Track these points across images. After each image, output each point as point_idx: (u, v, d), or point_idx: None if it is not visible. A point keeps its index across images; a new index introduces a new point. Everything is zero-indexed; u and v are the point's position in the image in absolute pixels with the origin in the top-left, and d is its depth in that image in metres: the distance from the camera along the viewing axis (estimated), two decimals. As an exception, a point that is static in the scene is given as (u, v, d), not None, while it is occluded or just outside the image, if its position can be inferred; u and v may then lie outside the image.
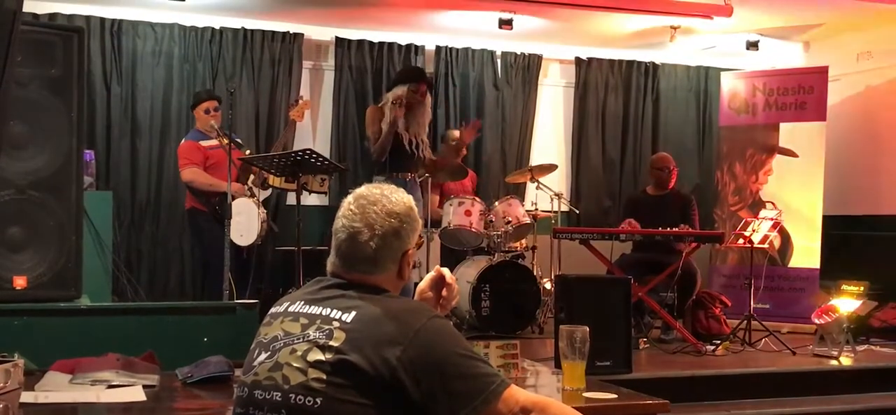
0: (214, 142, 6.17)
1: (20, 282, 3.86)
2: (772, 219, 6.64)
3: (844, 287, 6.97)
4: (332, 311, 1.97)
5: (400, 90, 6.27)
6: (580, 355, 2.79)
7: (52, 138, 3.96)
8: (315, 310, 1.99)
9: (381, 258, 2.04)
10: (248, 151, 6.39)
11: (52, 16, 6.77)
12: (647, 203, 6.77)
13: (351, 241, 2.04)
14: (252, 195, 6.05)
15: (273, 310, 2.10)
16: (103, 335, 3.61)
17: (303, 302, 2.03)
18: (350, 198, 2.10)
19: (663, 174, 6.75)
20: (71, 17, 6.86)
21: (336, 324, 1.93)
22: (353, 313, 1.94)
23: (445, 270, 2.35)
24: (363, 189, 2.11)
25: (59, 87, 3.96)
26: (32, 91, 3.88)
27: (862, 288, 6.92)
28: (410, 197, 2.14)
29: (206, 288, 6.23)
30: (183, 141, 6.39)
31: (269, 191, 6.53)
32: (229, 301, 5.22)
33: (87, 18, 6.91)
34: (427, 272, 2.40)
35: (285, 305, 2.07)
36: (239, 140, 6.48)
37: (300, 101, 6.43)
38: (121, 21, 7.05)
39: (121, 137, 7.07)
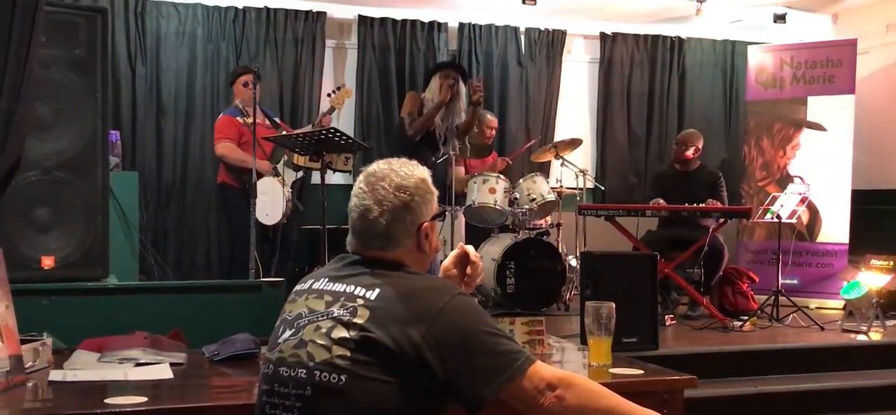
0: (251, 118, 6.22)
1: (48, 262, 3.89)
2: (800, 194, 6.57)
3: (873, 262, 6.89)
4: (356, 288, 1.96)
5: (442, 78, 6.32)
6: (606, 331, 2.77)
7: (77, 119, 3.96)
8: (339, 287, 1.98)
9: (394, 233, 2.02)
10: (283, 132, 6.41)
11: (77, -2, 6.80)
12: (674, 179, 6.72)
13: (363, 219, 2.03)
14: (276, 175, 6.06)
15: (297, 287, 2.09)
16: (130, 314, 3.63)
17: (327, 279, 2.03)
18: (361, 176, 2.08)
19: (683, 150, 6.67)
20: (95, -2, 6.89)
21: (360, 301, 1.92)
22: (377, 291, 1.93)
23: (469, 248, 2.34)
24: (373, 166, 2.09)
25: (83, 67, 3.96)
26: (56, 72, 3.89)
27: (891, 263, 6.83)
28: (423, 169, 2.11)
29: (235, 264, 6.27)
30: (220, 115, 6.43)
31: (300, 172, 6.52)
32: (255, 279, 5.24)
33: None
34: (452, 250, 2.38)
35: (309, 282, 2.07)
36: (277, 119, 6.52)
37: (341, 89, 6.41)
38: (144, 2, 7.08)
39: (146, 117, 7.12)
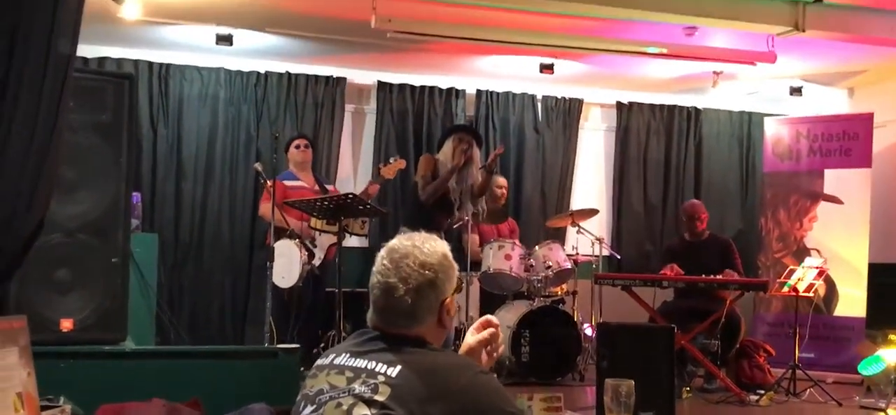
0: (300, 182, 6.29)
1: (67, 324, 3.90)
2: (817, 267, 6.55)
3: (891, 336, 6.82)
4: (376, 364, 1.96)
5: (456, 142, 6.33)
6: (625, 409, 2.75)
7: (101, 182, 4.00)
8: (360, 363, 1.99)
9: (418, 311, 2.04)
10: None
11: (101, 60, 6.91)
12: (685, 250, 6.70)
13: (387, 296, 2.03)
14: (297, 239, 6.02)
15: (318, 362, 2.10)
16: (148, 379, 3.63)
17: (348, 355, 2.03)
18: (383, 251, 2.09)
19: (693, 222, 6.69)
20: (119, 61, 7.00)
21: (381, 378, 1.93)
22: (398, 368, 1.94)
23: (493, 318, 2.33)
24: (395, 242, 2.10)
25: (108, 132, 4.01)
26: (83, 136, 3.93)
27: (909, 338, 6.78)
28: (444, 244, 2.13)
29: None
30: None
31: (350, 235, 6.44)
32: (271, 346, 5.22)
33: (136, 62, 7.05)
34: (468, 315, 2.38)
35: (331, 357, 2.07)
36: (328, 186, 6.64)
37: (394, 161, 6.40)
38: (168, 65, 7.19)
39: (166, 178, 7.19)
